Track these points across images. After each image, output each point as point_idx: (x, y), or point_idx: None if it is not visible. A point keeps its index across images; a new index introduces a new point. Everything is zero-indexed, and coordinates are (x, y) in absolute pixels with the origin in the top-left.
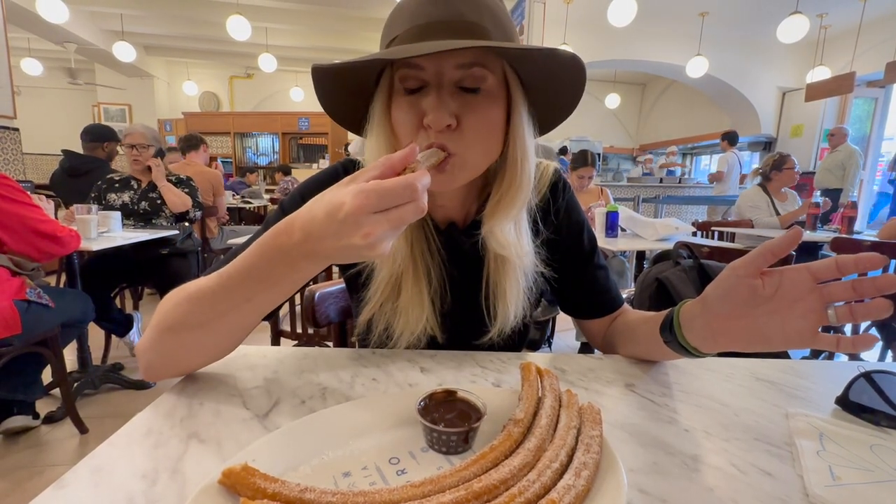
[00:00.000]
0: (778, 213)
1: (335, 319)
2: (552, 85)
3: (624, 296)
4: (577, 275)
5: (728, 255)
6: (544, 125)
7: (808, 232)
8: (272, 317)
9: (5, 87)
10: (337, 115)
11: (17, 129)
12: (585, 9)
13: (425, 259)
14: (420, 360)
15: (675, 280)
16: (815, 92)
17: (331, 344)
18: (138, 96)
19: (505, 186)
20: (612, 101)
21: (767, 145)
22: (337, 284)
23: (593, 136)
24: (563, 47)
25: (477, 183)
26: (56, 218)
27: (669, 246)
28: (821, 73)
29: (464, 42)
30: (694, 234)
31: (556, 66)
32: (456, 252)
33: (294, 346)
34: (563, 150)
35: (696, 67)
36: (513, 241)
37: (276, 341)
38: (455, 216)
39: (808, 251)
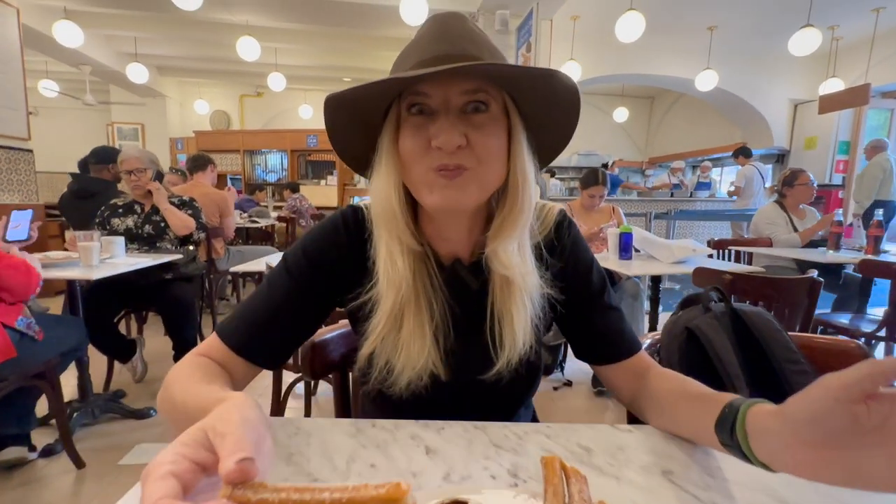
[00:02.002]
0: (796, 230)
1: (336, 365)
2: (548, 112)
3: (648, 341)
4: (586, 314)
5: (752, 282)
6: (543, 157)
7: (831, 252)
8: None
9: (20, 110)
10: (346, 152)
11: (30, 151)
12: (592, 24)
13: (427, 293)
14: (425, 435)
15: (706, 329)
16: (829, 104)
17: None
18: (151, 116)
19: (507, 209)
20: (621, 114)
21: (780, 158)
22: (336, 329)
23: (602, 150)
24: (569, 63)
25: (482, 215)
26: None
27: (687, 269)
28: (833, 85)
29: (470, 63)
30: (710, 255)
31: (551, 91)
32: (459, 289)
33: (295, 379)
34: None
35: (706, 81)
36: (516, 262)
37: (277, 378)
38: (460, 251)
39: (832, 271)
